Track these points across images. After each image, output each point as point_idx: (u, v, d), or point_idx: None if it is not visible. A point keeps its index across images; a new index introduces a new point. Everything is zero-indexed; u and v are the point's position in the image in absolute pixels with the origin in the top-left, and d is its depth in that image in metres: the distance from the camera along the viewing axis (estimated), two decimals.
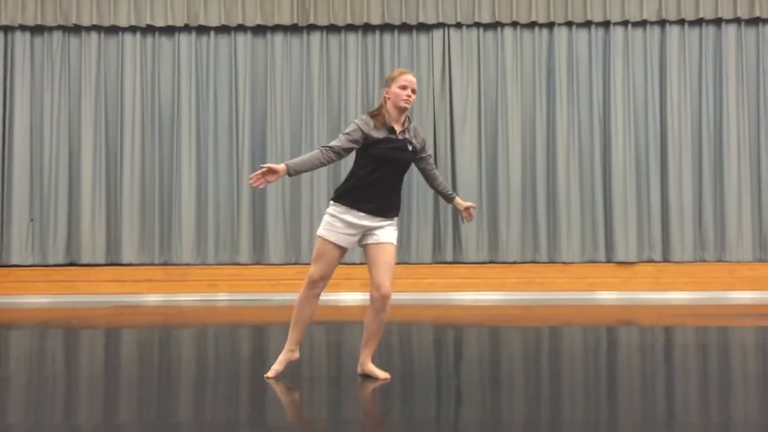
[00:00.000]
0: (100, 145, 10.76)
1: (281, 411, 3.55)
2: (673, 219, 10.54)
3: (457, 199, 4.40)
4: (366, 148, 4.02)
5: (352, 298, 10.26)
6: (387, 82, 4.13)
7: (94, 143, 10.76)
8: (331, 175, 10.69)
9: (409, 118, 4.19)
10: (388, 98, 4.10)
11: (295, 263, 10.65)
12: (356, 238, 4.10)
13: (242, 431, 3.09)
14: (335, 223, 4.05)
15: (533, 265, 10.58)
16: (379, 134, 4.02)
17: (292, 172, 3.88)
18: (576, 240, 10.54)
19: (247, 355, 5.41)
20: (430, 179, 4.34)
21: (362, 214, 4.03)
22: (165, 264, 10.65)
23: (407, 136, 4.12)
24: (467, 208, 4.38)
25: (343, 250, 4.10)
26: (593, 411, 3.55)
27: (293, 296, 11.17)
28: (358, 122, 4.04)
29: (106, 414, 3.56)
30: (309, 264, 11.27)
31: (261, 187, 3.87)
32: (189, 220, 10.63)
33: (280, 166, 3.84)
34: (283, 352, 4.26)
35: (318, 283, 4.09)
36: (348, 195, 4.04)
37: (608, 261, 10.58)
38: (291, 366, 4.85)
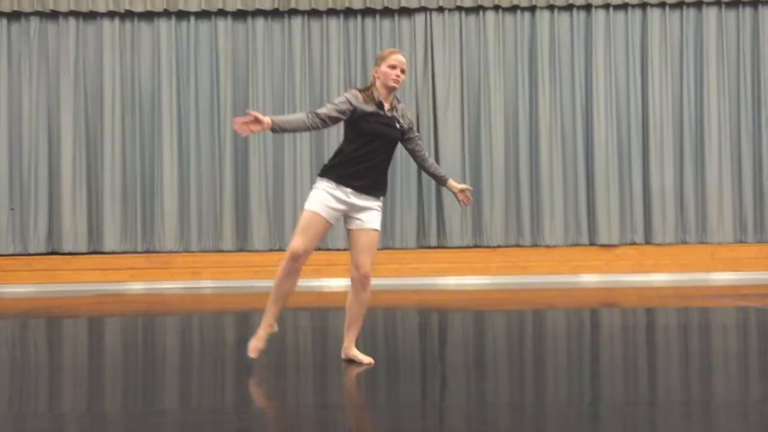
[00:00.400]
0: (80, 133, 10.66)
1: (266, 397, 3.55)
2: (654, 202, 10.63)
3: (451, 182, 4.34)
4: (354, 122, 4.01)
5: (336, 284, 10.27)
6: (377, 61, 4.12)
7: (74, 130, 10.65)
8: (313, 161, 10.66)
9: (397, 98, 4.18)
10: (378, 77, 4.09)
11: (279, 249, 10.63)
12: (340, 214, 4.07)
13: (227, 418, 3.09)
14: (325, 198, 4.01)
15: (517, 249, 10.63)
16: (368, 108, 4.03)
17: (276, 128, 3.87)
18: (559, 223, 10.60)
19: (232, 342, 5.40)
20: (420, 161, 4.30)
21: (350, 190, 4.01)
22: (148, 252, 10.60)
23: (395, 114, 4.12)
24: (462, 191, 4.33)
25: (329, 225, 4.07)
26: (576, 392, 3.58)
27: None
28: (347, 95, 4.05)
29: (91, 402, 3.55)
30: None
31: (243, 135, 3.84)
32: (171, 208, 10.57)
33: (266, 119, 3.82)
34: (261, 327, 4.15)
35: (300, 258, 4.02)
36: (336, 170, 4.02)
37: (591, 244, 10.66)
38: (275, 352, 4.84)
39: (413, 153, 4.30)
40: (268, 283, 11.05)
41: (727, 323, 5.88)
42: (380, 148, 4.05)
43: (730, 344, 5.03)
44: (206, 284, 10.37)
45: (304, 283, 10.28)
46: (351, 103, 4.01)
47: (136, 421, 3.07)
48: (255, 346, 4.11)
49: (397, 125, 4.10)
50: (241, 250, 10.66)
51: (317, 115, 3.96)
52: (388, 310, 7.30)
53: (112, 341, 5.59)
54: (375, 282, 10.78)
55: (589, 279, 10.37)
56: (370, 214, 4.08)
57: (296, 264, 4.05)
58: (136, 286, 10.29)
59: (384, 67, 4.05)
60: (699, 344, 5.04)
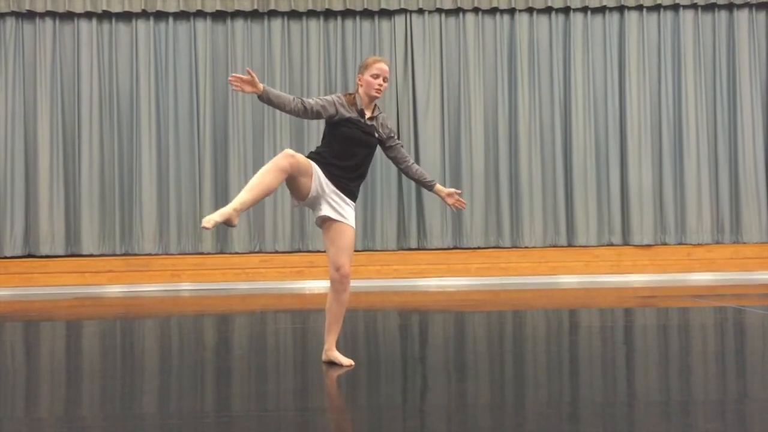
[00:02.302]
0: (57, 134, 10.55)
1: (246, 400, 3.53)
2: (632, 203, 10.73)
3: (438, 186, 4.35)
4: (334, 125, 4.04)
5: (317, 285, 10.25)
6: (361, 68, 4.15)
7: (51, 132, 10.54)
8: None
9: (378, 108, 4.22)
10: (361, 85, 4.13)
11: (259, 251, 10.60)
12: (316, 194, 4.00)
13: (207, 421, 3.07)
14: (318, 168, 3.99)
15: (496, 250, 10.68)
16: (349, 114, 4.07)
17: (264, 97, 3.89)
18: (538, 225, 10.66)
19: (212, 345, 5.37)
20: (404, 168, 4.29)
21: (329, 179, 4.02)
22: (126, 254, 10.51)
23: (375, 123, 4.16)
24: (450, 195, 4.32)
25: (308, 190, 3.95)
26: (556, 392, 3.60)
27: (257, 285, 11.14)
28: (334, 96, 4.10)
29: (68, 407, 3.51)
30: (274, 252, 11.10)
31: (235, 89, 3.86)
32: (150, 209, 10.49)
33: (260, 85, 3.85)
34: (228, 207, 3.66)
35: (291, 162, 3.80)
36: (319, 158, 4.03)
37: (569, 245, 10.73)
38: (256, 355, 4.82)
39: (396, 161, 4.30)
40: (248, 285, 11.05)
41: (705, 323, 5.95)
42: (357, 154, 4.07)
43: (708, 344, 5.09)
44: (186, 287, 10.31)
45: (285, 285, 10.30)
46: (335, 105, 4.04)
47: (115, 426, 3.04)
48: (212, 218, 3.59)
49: (376, 134, 4.14)
50: (221, 252, 10.61)
51: (303, 101, 3.98)
52: (368, 311, 7.29)
53: (90, 345, 5.53)
54: (356, 284, 10.75)
55: (568, 280, 10.45)
56: (346, 210, 4.07)
57: (284, 165, 3.79)
58: (115, 289, 10.20)
59: (367, 76, 4.09)
60: (677, 344, 5.09)
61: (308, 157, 4.06)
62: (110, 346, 5.49)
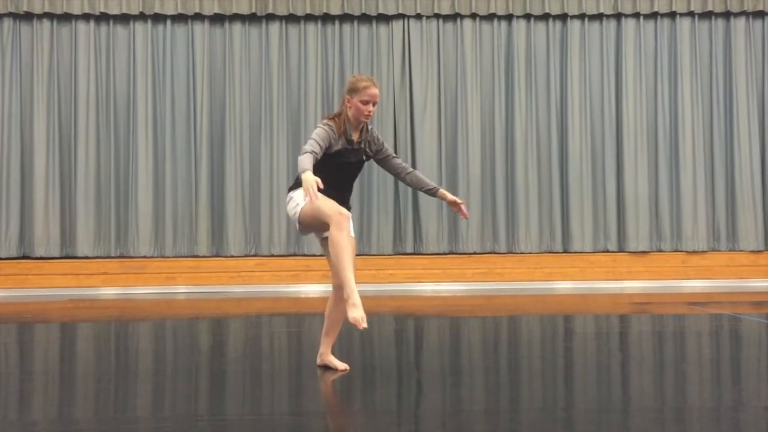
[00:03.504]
0: (54, 136, 10.54)
1: (241, 404, 3.52)
2: (628, 210, 10.75)
3: (441, 191, 4.21)
4: (326, 156, 3.93)
5: (313, 289, 10.24)
6: (350, 91, 3.98)
7: (47, 133, 10.53)
8: (290, 166, 10.64)
9: (366, 125, 4.09)
10: (350, 107, 3.98)
11: (255, 255, 10.59)
12: None
13: (201, 425, 3.06)
14: (300, 193, 3.90)
15: (492, 255, 10.69)
16: (338, 145, 3.95)
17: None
18: (534, 231, 10.68)
19: (206, 348, 5.36)
20: (401, 178, 4.20)
21: None
22: (122, 257, 10.49)
23: (363, 145, 4.07)
24: (454, 203, 4.17)
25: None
26: (551, 398, 3.60)
27: (253, 288, 11.11)
28: (327, 129, 3.91)
29: (62, 409, 3.50)
30: (269, 255, 11.09)
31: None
32: (146, 212, 10.48)
33: (311, 181, 3.61)
34: (355, 299, 3.61)
35: (344, 217, 3.73)
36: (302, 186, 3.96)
37: (565, 251, 10.75)
38: (251, 359, 4.81)
39: (392, 173, 4.22)
40: (243, 289, 11.06)
41: (700, 330, 5.95)
42: (349, 177, 4.07)
43: (703, 351, 5.10)
44: (181, 289, 10.28)
45: (280, 288, 10.28)
46: (329, 140, 3.91)
47: (108, 429, 3.03)
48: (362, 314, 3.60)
49: (364, 156, 4.10)
50: (217, 255, 10.59)
51: (313, 155, 3.76)
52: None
53: (85, 347, 5.52)
54: None
55: (564, 286, 10.45)
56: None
57: (344, 228, 3.73)
58: (110, 292, 10.18)
59: (356, 101, 3.93)
60: (672, 351, 5.09)
61: (295, 188, 3.99)
62: (104, 349, 5.48)
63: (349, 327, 6.16)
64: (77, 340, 5.93)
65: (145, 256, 10.46)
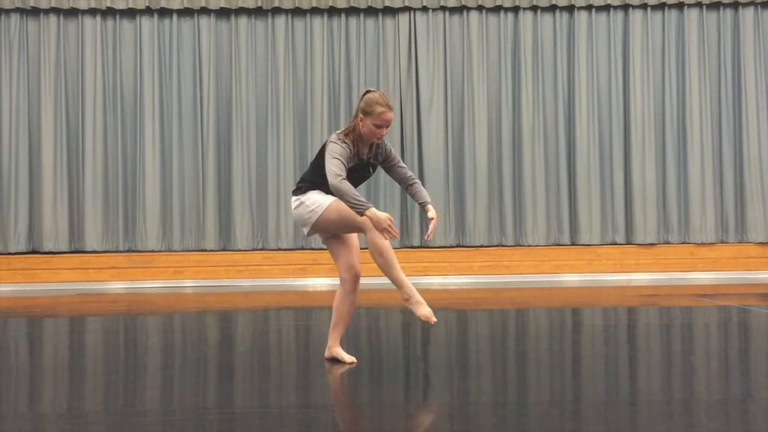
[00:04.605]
0: (61, 131, 10.57)
1: (249, 397, 3.54)
2: (636, 202, 10.71)
3: (427, 206, 4.10)
4: None
5: (320, 283, 10.26)
6: (364, 111, 3.86)
7: (55, 128, 10.56)
8: (297, 160, 10.65)
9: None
10: (363, 126, 3.89)
11: (262, 249, 10.61)
12: None
13: (209, 418, 3.07)
14: (315, 196, 3.91)
15: (499, 248, 10.68)
16: (351, 162, 3.92)
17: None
18: (541, 223, 10.66)
19: (214, 341, 5.38)
20: (404, 186, 4.16)
21: None
22: (129, 251, 10.53)
23: (371, 159, 4.04)
24: (430, 220, 4.02)
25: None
26: (559, 391, 3.60)
27: (260, 282, 11.14)
28: (345, 148, 3.87)
29: (71, 402, 3.51)
30: (276, 249, 11.11)
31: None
32: (153, 206, 10.51)
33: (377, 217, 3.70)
34: (415, 295, 3.80)
35: (378, 221, 3.70)
36: (322, 188, 3.93)
37: (573, 244, 10.72)
38: (258, 352, 4.83)
39: (396, 179, 4.15)
40: (251, 282, 11.08)
41: (708, 322, 5.93)
42: (353, 184, 3.93)
43: (711, 343, 5.08)
44: (188, 283, 10.32)
45: (288, 282, 10.30)
46: (348, 158, 3.87)
47: (117, 422, 3.05)
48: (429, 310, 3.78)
49: (371, 169, 4.09)
50: (224, 249, 10.62)
51: (344, 177, 3.78)
52: (371, 309, 7.29)
53: (93, 341, 5.54)
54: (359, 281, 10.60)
55: (571, 278, 10.43)
56: None
57: (382, 240, 3.78)
58: (118, 286, 10.22)
59: (370, 123, 3.84)
60: (680, 343, 5.08)
61: (299, 192, 3.99)
62: (113, 343, 5.50)
63: (356, 321, 6.17)
64: (86, 334, 5.96)
65: (153, 250, 10.50)
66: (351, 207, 3.73)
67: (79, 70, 10.63)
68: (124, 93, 10.68)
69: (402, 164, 4.14)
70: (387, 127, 3.89)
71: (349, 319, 4.17)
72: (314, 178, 4.00)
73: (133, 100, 10.67)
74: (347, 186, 3.72)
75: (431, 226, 3.97)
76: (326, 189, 3.90)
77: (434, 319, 3.78)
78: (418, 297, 3.81)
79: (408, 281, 3.84)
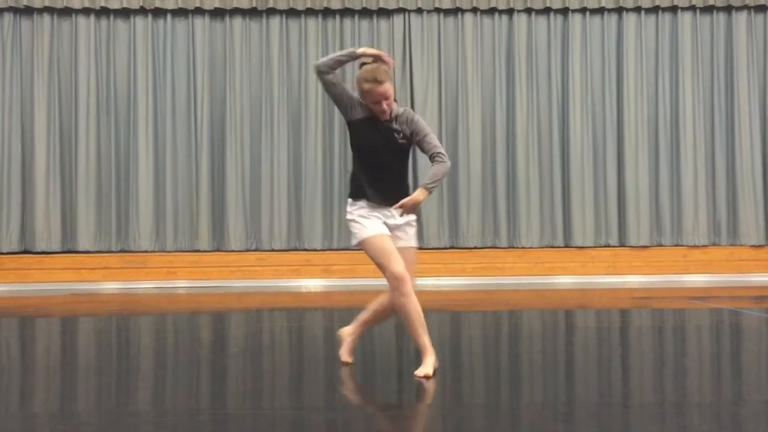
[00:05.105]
0: (54, 130, 10.53)
1: (241, 398, 3.53)
2: (629, 204, 10.74)
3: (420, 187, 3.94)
4: (350, 125, 3.81)
5: (313, 284, 10.25)
6: (359, 90, 3.76)
7: (48, 128, 10.53)
8: (291, 161, 10.65)
9: (396, 108, 3.82)
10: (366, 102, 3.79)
11: (256, 249, 10.59)
12: (382, 221, 3.88)
13: (202, 419, 3.07)
14: (360, 220, 3.83)
15: (493, 250, 10.69)
16: (362, 113, 3.78)
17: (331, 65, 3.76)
18: (535, 225, 10.67)
19: (207, 342, 5.37)
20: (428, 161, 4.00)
21: (374, 204, 3.83)
22: (122, 251, 10.50)
23: (393, 124, 3.80)
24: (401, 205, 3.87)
25: (387, 233, 3.88)
26: (552, 393, 3.60)
27: (253, 283, 11.11)
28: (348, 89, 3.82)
29: (63, 403, 3.50)
30: (270, 250, 11.10)
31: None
32: (147, 207, 10.48)
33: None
34: (430, 354, 3.76)
35: (406, 278, 3.82)
36: (361, 192, 3.84)
37: (566, 246, 10.74)
38: (251, 353, 4.82)
39: (423, 152, 3.92)
40: (244, 283, 11.04)
41: (701, 325, 5.95)
42: (383, 158, 3.79)
43: (703, 346, 5.10)
44: (182, 284, 10.30)
45: (281, 283, 10.28)
46: (352, 96, 3.78)
47: (109, 422, 3.04)
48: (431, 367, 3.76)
49: (396, 135, 3.79)
50: (218, 249, 10.60)
51: (325, 59, 3.78)
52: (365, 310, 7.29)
53: (86, 341, 5.52)
54: (352, 282, 10.72)
55: (564, 280, 10.45)
56: (408, 231, 4.01)
57: (407, 286, 3.83)
58: (111, 286, 10.19)
59: (369, 102, 3.74)
60: (672, 346, 5.10)
61: (354, 197, 3.88)
62: (105, 343, 5.49)
63: (350, 321, 6.15)
64: (78, 334, 5.94)
65: (146, 251, 10.47)
66: (339, 58, 3.74)
67: (73, 70, 10.60)
68: (118, 93, 10.65)
69: (429, 139, 3.82)
70: (384, 100, 3.69)
71: (377, 323, 4.09)
72: (351, 183, 3.95)
73: (126, 100, 10.64)
74: (327, 57, 3.79)
75: (403, 201, 3.81)
76: (363, 191, 3.82)
77: (423, 376, 3.69)
78: (430, 361, 3.75)
79: (428, 346, 3.79)
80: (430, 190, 3.81)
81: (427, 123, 3.87)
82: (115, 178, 10.56)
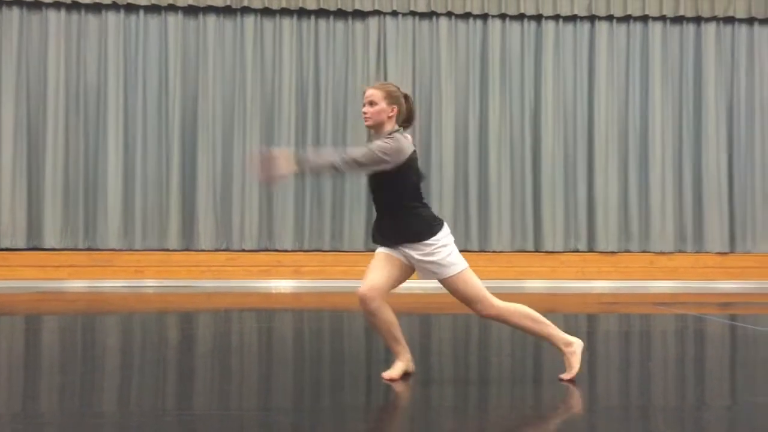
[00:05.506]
0: (21, 125, 10.37)
1: (209, 399, 3.50)
2: (598, 210, 10.86)
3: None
4: None
5: (284, 285, 10.21)
6: None
7: (15, 123, 10.35)
8: None
9: (381, 132, 3.74)
10: None
11: (226, 249, 10.52)
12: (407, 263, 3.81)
13: (168, 420, 3.03)
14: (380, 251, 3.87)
15: (464, 253, 10.58)
16: None
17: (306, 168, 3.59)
18: (506, 230, 10.74)
19: (175, 343, 5.31)
20: None
21: (397, 251, 3.79)
22: (89, 249, 10.36)
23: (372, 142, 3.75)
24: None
25: (382, 251, 3.81)
26: (519, 397, 3.63)
27: (223, 283, 11.05)
28: None
29: (26, 402, 3.44)
30: (240, 250, 11.04)
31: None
32: (115, 204, 10.35)
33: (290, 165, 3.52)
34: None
35: (363, 297, 3.77)
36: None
37: (536, 251, 10.82)
38: (220, 354, 4.79)
39: None
40: (213, 283, 10.97)
41: (666, 330, 6.04)
42: (374, 189, 3.77)
43: (668, 351, 5.17)
44: (150, 283, 10.18)
45: (251, 283, 10.22)
46: None
47: (73, 423, 2.99)
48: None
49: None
50: (187, 249, 10.50)
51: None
52: (335, 312, 7.28)
53: (50, 340, 5.44)
54: (321, 284, 10.67)
55: (534, 285, 10.54)
56: (426, 269, 3.79)
57: (365, 305, 3.76)
58: (77, 284, 10.04)
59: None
60: (638, 350, 5.16)
61: None
62: (70, 342, 5.40)
63: (319, 323, 6.11)
64: (43, 332, 5.85)
65: (113, 249, 10.34)
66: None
67: (42, 65, 10.44)
68: (88, 89, 10.51)
69: (368, 145, 3.70)
70: (370, 104, 3.68)
71: (386, 334, 3.86)
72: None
73: (96, 96, 10.51)
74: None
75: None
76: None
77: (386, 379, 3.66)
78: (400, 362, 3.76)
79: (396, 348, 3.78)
80: (298, 163, 3.50)
81: (393, 147, 3.62)
82: (83, 175, 10.41)
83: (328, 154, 3.58)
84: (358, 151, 3.59)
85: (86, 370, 4.26)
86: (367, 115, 3.70)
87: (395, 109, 3.75)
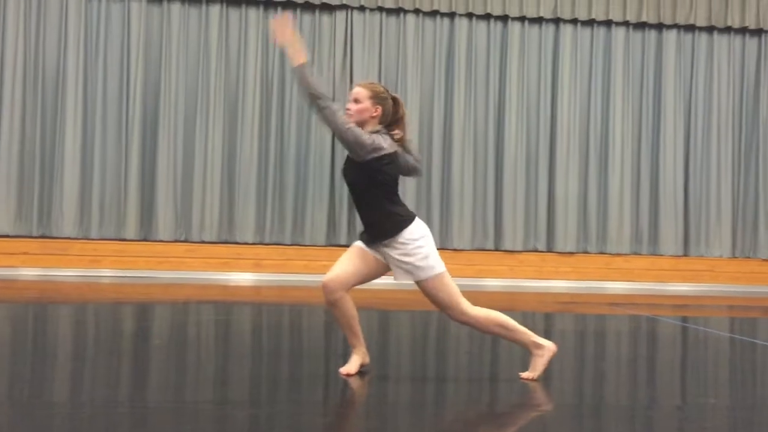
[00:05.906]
0: None
1: (163, 391, 3.45)
2: (558, 211, 11.00)
3: None
4: None
5: (242, 277, 10.13)
6: None
7: None
8: (225, 150, 10.50)
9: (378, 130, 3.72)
10: None
11: (185, 240, 10.39)
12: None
13: (121, 411, 2.98)
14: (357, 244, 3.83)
15: None
16: None
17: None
18: (467, 228, 10.81)
19: (130, 334, 5.23)
20: None
21: (373, 250, 3.74)
22: (43, 237, 10.13)
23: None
24: None
25: (357, 245, 3.77)
26: (475, 394, 3.66)
27: (181, 274, 10.91)
28: None
29: None
30: (200, 242, 10.91)
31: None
32: (72, 191, 10.14)
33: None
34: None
35: (326, 287, 3.72)
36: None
37: (496, 249, 10.91)
38: (176, 346, 4.73)
39: None
40: (171, 274, 10.82)
41: (620, 330, 6.14)
42: (351, 186, 3.74)
43: (621, 351, 5.26)
44: (106, 273, 10.01)
45: (210, 275, 10.11)
46: None
47: (22, 414, 2.92)
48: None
49: (346, 165, 3.74)
50: (145, 239, 10.34)
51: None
52: (294, 306, 7.25)
53: (0, 328, 5.31)
54: (282, 278, 10.61)
55: (493, 283, 10.62)
56: (402, 269, 3.68)
57: (327, 296, 3.71)
58: (29, 272, 9.82)
59: None
60: (592, 350, 5.24)
61: None
62: (21, 331, 5.28)
63: (278, 318, 6.08)
64: None
65: (68, 237, 10.13)
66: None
67: None
68: (47, 72, 10.27)
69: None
70: (353, 101, 3.73)
71: (344, 327, 3.84)
72: None
73: (55, 79, 10.27)
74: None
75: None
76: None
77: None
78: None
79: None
80: (297, 70, 3.59)
81: (368, 143, 3.61)
82: (39, 159, 10.18)
83: (323, 89, 3.63)
84: (341, 115, 3.61)
85: (36, 360, 4.17)
86: (350, 112, 3.71)
87: (379, 110, 3.76)
